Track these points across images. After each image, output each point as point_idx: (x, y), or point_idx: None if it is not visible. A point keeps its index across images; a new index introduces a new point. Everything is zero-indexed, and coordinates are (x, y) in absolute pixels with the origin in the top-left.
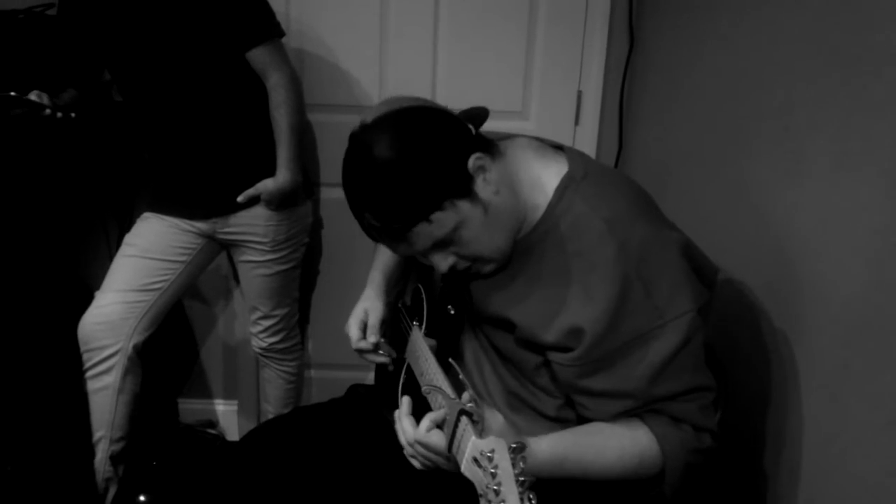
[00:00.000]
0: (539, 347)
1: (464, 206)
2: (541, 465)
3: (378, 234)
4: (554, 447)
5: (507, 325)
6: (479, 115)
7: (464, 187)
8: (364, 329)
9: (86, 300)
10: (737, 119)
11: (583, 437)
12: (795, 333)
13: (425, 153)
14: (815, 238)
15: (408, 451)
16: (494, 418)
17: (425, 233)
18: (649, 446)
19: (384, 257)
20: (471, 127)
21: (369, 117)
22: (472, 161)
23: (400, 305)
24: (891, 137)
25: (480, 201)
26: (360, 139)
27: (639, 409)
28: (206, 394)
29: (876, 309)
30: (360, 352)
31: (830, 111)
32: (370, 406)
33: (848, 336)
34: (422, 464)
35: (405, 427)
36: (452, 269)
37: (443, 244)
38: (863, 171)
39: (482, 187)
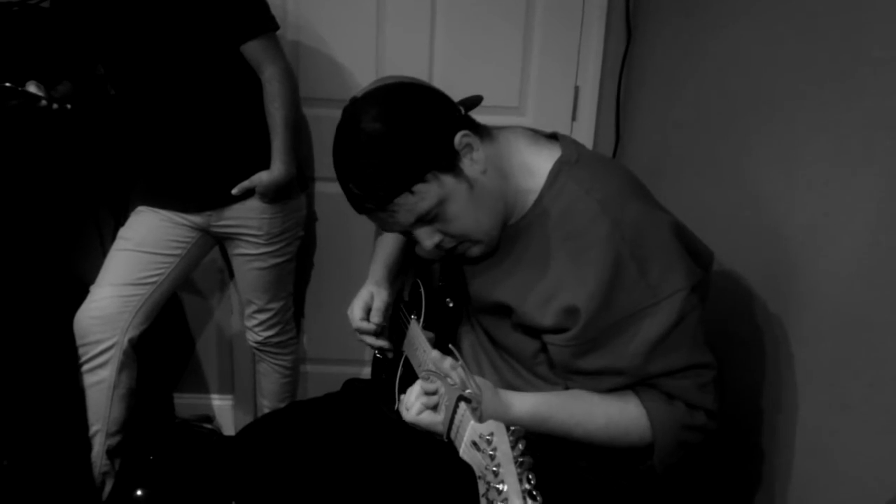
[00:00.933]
0: (536, 331)
1: (448, 180)
2: (520, 419)
3: (362, 204)
4: (537, 406)
5: (505, 310)
6: (471, 100)
7: (449, 162)
8: (367, 311)
9: (80, 294)
10: (734, 114)
11: (570, 400)
12: (791, 325)
13: (410, 125)
14: (812, 232)
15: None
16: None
17: (408, 205)
18: (638, 419)
19: (383, 254)
20: (461, 108)
21: (360, 92)
22: (459, 138)
23: (399, 301)
24: (886, 133)
25: (466, 178)
26: (350, 112)
27: (632, 384)
28: (202, 388)
29: (871, 301)
30: (360, 332)
31: (828, 105)
32: (366, 401)
33: (843, 328)
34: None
35: (408, 398)
36: (438, 247)
37: (427, 220)
38: (859, 165)
39: (468, 165)
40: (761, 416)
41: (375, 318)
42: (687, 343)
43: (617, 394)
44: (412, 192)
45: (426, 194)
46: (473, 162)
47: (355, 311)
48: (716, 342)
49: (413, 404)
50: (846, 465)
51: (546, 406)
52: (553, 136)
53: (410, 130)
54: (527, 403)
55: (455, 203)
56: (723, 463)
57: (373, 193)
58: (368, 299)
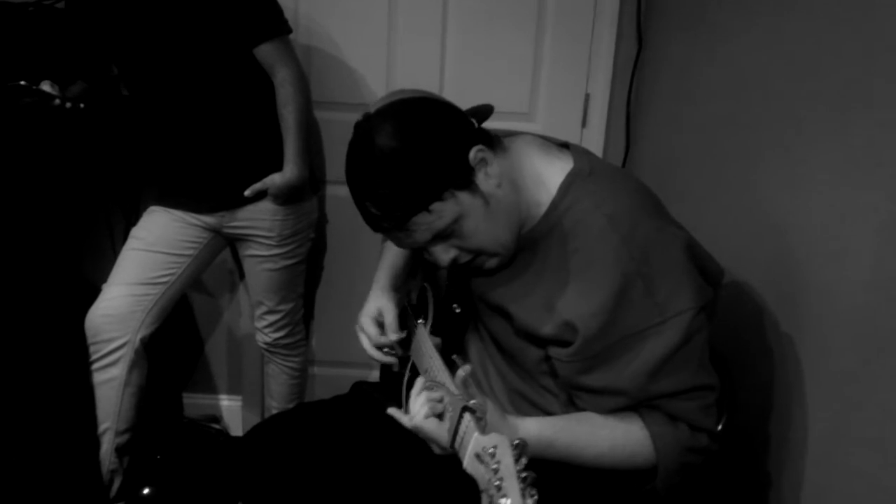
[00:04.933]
0: (539, 340)
1: (464, 197)
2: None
3: (379, 223)
4: (542, 430)
5: (505, 315)
6: (483, 111)
7: (464, 178)
8: (380, 326)
9: (89, 293)
10: (744, 122)
11: (574, 423)
12: (801, 336)
13: (426, 143)
14: (821, 240)
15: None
16: (487, 404)
17: (425, 223)
18: (642, 442)
19: (390, 257)
20: (473, 121)
21: (373, 107)
22: (474, 153)
23: (406, 304)
24: (894, 142)
25: (481, 193)
26: (363, 128)
27: (636, 405)
28: (211, 389)
29: (881, 312)
30: (378, 348)
31: (837, 115)
32: (374, 403)
33: (853, 338)
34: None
35: (412, 407)
36: (454, 262)
37: (443, 236)
38: (868, 175)
39: (483, 180)
40: (773, 424)
41: (393, 336)
42: (692, 364)
43: (621, 416)
44: (429, 211)
45: (443, 212)
46: (488, 176)
47: (370, 329)
48: (726, 352)
49: (418, 411)
50: (857, 474)
51: (551, 429)
52: (565, 146)
53: (426, 148)
54: (531, 426)
55: (472, 219)
56: (733, 470)
57: (390, 214)
58: (377, 315)
